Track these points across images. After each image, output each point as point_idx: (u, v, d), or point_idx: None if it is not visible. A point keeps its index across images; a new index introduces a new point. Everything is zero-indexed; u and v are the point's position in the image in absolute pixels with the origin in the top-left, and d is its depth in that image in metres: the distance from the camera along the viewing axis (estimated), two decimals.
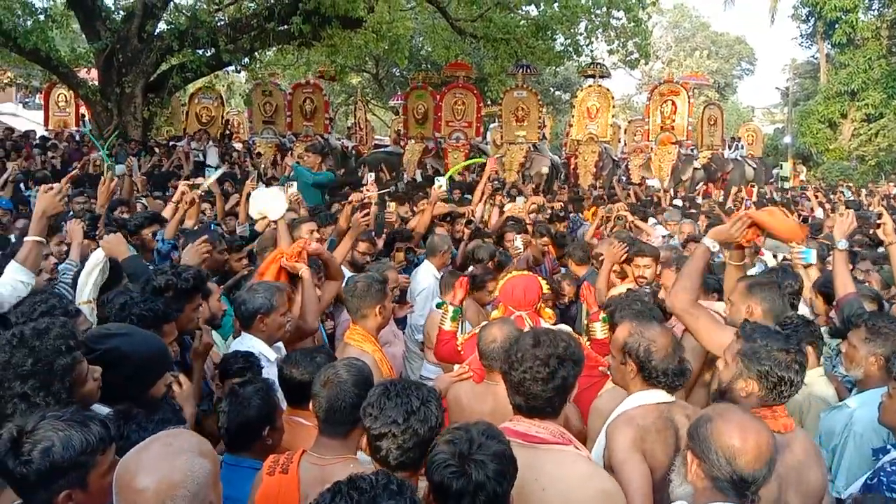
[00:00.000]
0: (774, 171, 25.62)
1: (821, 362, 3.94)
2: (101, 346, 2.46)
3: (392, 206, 7.44)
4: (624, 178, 19.97)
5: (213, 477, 1.82)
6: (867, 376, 3.14)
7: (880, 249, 6.04)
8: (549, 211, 9.64)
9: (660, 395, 2.70)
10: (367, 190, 6.79)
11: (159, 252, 4.95)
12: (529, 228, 7.59)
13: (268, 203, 4.95)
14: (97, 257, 3.93)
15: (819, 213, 13.38)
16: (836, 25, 31.69)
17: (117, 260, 4.03)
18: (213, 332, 4.19)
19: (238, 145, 18.95)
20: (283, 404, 2.97)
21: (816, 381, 3.70)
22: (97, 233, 4.96)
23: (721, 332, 2.97)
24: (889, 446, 2.72)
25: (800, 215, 12.77)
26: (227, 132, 19.66)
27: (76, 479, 1.85)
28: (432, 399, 2.22)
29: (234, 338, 3.88)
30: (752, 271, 5.81)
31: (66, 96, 20.31)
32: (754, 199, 12.65)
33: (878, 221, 4.21)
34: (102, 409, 2.38)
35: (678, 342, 2.77)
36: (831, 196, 18.09)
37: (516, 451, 2.02)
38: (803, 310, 5.49)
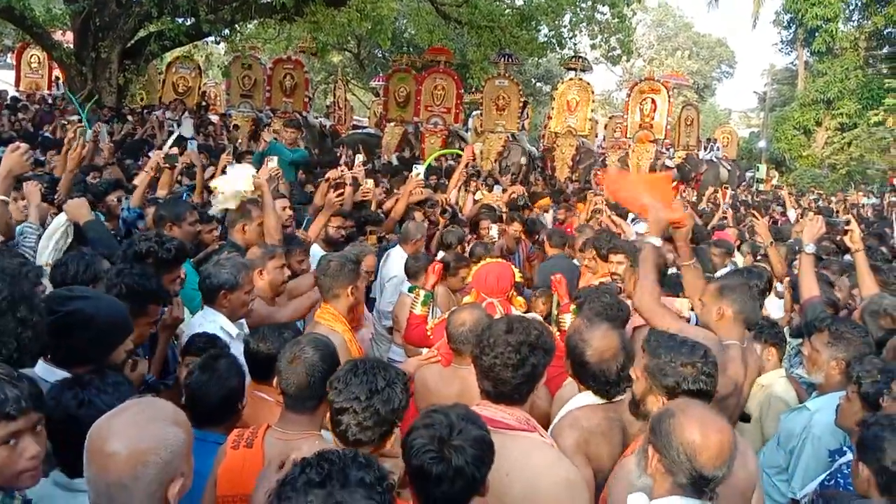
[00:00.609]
0: (748, 174, 25.94)
1: (782, 364, 4.03)
2: (65, 307, 2.42)
3: (370, 182, 7.39)
4: (600, 174, 20.08)
5: (187, 447, 1.79)
6: (828, 380, 3.18)
7: (846, 257, 6.16)
8: (522, 199, 9.66)
9: (593, 398, 2.69)
10: (355, 171, 6.78)
11: (125, 220, 4.86)
12: (504, 217, 7.61)
13: (234, 184, 4.86)
14: (59, 221, 3.87)
15: (792, 214, 13.56)
16: (817, 34, 32.11)
17: (79, 224, 3.96)
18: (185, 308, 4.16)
19: (214, 118, 18.69)
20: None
21: (777, 381, 3.79)
22: (56, 196, 4.84)
23: (684, 331, 2.96)
24: (845, 448, 2.76)
25: (771, 218, 12.93)
26: (204, 103, 19.38)
27: None
28: (398, 382, 2.23)
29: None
30: (721, 272, 5.91)
31: (38, 57, 19.92)
32: (728, 200, 12.75)
33: (846, 228, 4.28)
34: (61, 373, 2.34)
35: (621, 350, 2.72)
36: (801, 201, 18.39)
37: None
38: (776, 303, 5.62)
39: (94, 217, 4.12)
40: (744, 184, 23.96)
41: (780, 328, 3.99)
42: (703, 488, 2.01)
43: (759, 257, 6.94)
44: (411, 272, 5.19)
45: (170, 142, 6.49)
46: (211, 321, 3.47)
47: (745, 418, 3.56)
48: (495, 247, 6.49)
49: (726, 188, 14.79)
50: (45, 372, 2.38)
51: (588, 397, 2.71)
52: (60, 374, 2.34)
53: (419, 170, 7.38)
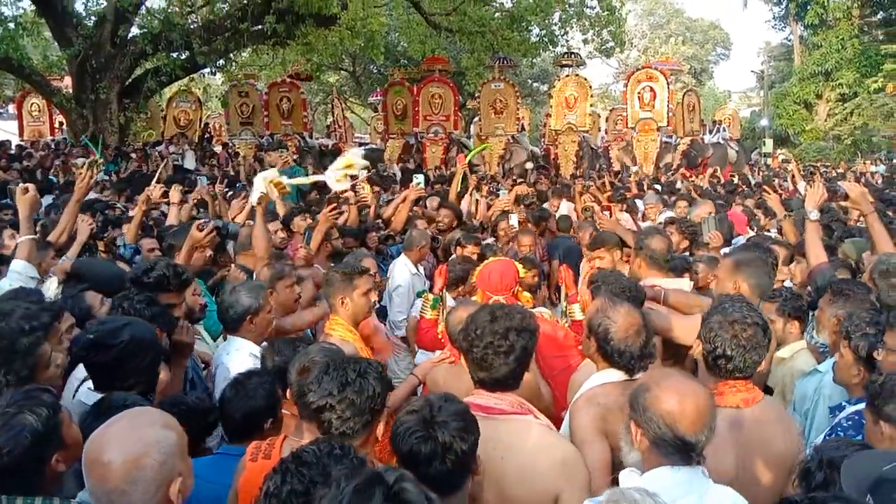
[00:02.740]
0: (753, 154, 25.83)
1: (804, 336, 3.99)
2: (119, 338, 2.53)
3: (366, 188, 7.49)
4: (605, 167, 20.12)
5: (180, 448, 1.86)
6: (832, 339, 3.19)
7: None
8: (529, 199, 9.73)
9: (618, 375, 2.71)
10: (359, 190, 6.91)
11: (121, 257, 4.91)
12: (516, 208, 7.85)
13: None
14: (52, 286, 3.96)
15: (802, 186, 13.48)
16: (808, 7, 31.99)
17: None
18: (202, 330, 4.22)
19: (218, 148, 18.90)
20: None
21: (799, 354, 3.72)
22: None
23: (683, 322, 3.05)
24: (844, 403, 2.77)
25: (779, 194, 12.87)
26: (207, 135, 19.56)
27: (56, 443, 1.93)
28: (371, 372, 2.26)
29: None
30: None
31: (39, 105, 20.17)
32: (734, 180, 12.78)
33: (848, 192, 4.27)
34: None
35: (644, 326, 2.75)
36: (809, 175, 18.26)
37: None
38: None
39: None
40: (749, 163, 23.82)
41: (803, 300, 3.94)
42: (689, 454, 2.05)
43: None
44: (406, 246, 5.23)
45: (156, 175, 6.56)
46: (237, 349, 3.49)
47: (768, 391, 3.56)
48: (509, 251, 6.55)
49: (729, 168, 14.74)
50: (88, 397, 2.50)
51: (605, 376, 2.73)
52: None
53: (419, 178, 7.50)
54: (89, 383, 2.77)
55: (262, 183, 4.78)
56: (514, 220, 7.12)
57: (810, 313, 4.30)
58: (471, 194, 9.04)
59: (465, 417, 2.06)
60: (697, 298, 3.75)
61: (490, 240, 6.98)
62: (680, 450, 2.04)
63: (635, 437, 2.14)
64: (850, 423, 2.61)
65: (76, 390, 2.85)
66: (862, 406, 2.62)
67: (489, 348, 2.43)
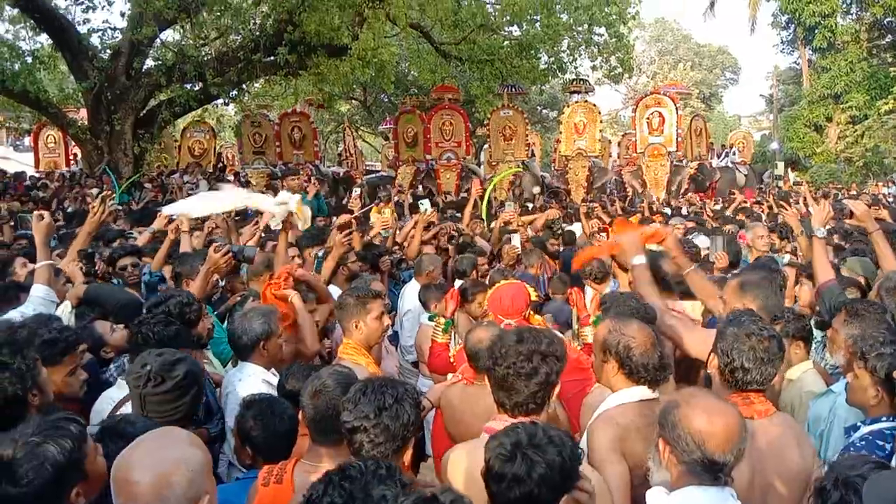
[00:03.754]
0: (765, 176, 25.79)
1: (810, 356, 3.98)
2: (177, 371, 2.59)
3: (386, 212, 7.57)
4: (615, 191, 20.19)
5: (206, 466, 1.87)
6: (847, 359, 3.15)
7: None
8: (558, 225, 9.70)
9: (641, 392, 2.71)
10: (351, 205, 6.93)
11: (147, 284, 4.97)
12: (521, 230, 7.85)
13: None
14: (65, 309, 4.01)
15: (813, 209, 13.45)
16: (816, 30, 32.13)
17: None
18: (212, 356, 4.23)
19: (230, 177, 19.09)
20: None
21: (805, 375, 3.71)
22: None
23: (693, 332, 3.04)
24: (859, 423, 2.74)
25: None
26: (221, 165, 19.77)
27: (78, 475, 1.93)
28: (407, 398, 2.27)
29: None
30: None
31: (55, 137, 20.46)
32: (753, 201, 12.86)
33: (852, 209, 4.26)
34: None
35: (658, 338, 2.79)
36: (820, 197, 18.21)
37: None
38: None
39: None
40: (759, 186, 23.79)
41: (807, 321, 3.93)
42: (717, 474, 2.03)
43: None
44: (423, 301, 5.25)
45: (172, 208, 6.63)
46: (250, 375, 3.49)
47: None
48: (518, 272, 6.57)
49: (746, 190, 14.74)
50: None
51: (621, 397, 2.72)
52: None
53: (425, 204, 7.58)
54: (126, 407, 2.81)
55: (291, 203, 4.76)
56: (516, 240, 7.13)
57: (817, 334, 4.28)
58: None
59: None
60: (717, 289, 3.74)
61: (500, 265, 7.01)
62: (708, 469, 2.04)
63: (663, 455, 2.13)
64: (863, 443, 2.58)
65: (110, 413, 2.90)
66: (877, 426, 2.60)
67: (511, 369, 2.41)
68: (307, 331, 3.97)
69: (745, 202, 13.58)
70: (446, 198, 16.13)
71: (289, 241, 5.12)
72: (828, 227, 4.63)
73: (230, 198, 4.96)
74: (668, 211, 12.82)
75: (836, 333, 3.25)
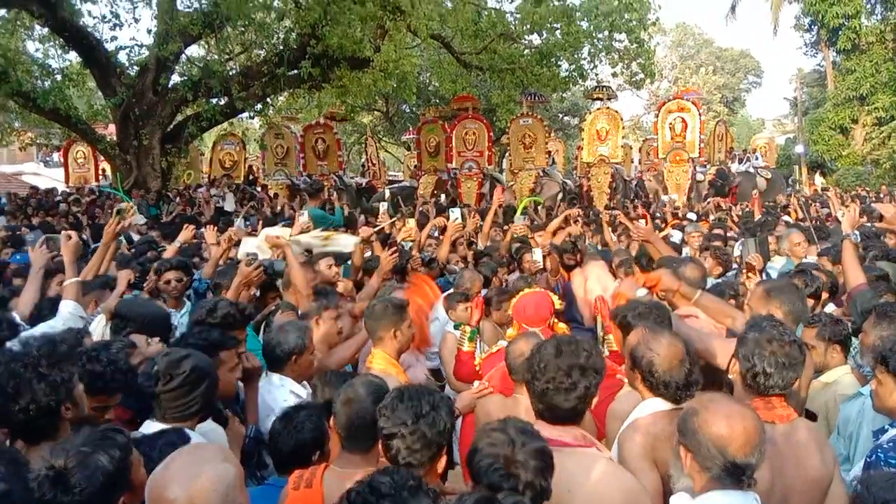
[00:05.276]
0: (791, 180, 25.60)
1: (847, 360, 3.94)
2: (183, 368, 2.67)
3: (411, 222, 7.61)
4: (639, 197, 20.14)
5: (239, 480, 1.94)
6: (871, 365, 3.15)
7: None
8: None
9: (666, 403, 2.72)
10: (380, 221, 6.97)
11: (196, 290, 5.10)
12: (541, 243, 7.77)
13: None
14: (99, 324, 4.13)
15: (840, 215, 13.29)
16: (840, 32, 31.75)
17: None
18: None
19: (258, 189, 19.35)
20: None
21: (842, 378, 3.70)
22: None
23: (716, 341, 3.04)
24: (887, 426, 2.75)
25: (817, 220, 12.73)
26: (252, 177, 20.02)
27: (125, 485, 2.00)
28: (443, 405, 2.32)
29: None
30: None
31: (84, 152, 20.84)
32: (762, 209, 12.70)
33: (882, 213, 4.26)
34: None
35: (687, 355, 2.74)
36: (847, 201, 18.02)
37: None
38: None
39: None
40: (788, 190, 23.58)
41: (845, 325, 3.89)
42: (739, 477, 2.05)
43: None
44: (447, 308, 5.30)
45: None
46: (279, 387, 3.55)
47: (812, 417, 3.54)
48: (540, 279, 6.59)
49: (756, 196, 14.57)
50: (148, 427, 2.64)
51: (652, 405, 2.73)
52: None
53: (455, 214, 7.59)
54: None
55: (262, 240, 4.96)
56: (537, 255, 7.08)
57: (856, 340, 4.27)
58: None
59: (545, 457, 2.07)
60: (730, 308, 3.74)
61: (515, 274, 7.02)
62: (731, 473, 2.06)
63: (685, 462, 2.15)
64: (891, 445, 2.59)
65: None
66: None
67: (550, 383, 2.42)
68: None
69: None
70: (466, 207, 16.19)
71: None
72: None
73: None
74: (692, 216, 12.76)
75: (867, 336, 3.25)
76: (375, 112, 33.01)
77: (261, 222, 8.35)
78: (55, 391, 2.34)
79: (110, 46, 15.62)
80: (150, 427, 2.65)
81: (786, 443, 2.46)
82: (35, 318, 3.99)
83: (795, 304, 3.27)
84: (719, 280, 5.67)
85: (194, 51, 17.54)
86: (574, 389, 2.40)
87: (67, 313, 3.74)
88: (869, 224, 7.16)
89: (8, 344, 2.83)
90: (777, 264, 6.53)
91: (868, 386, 3.19)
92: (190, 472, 1.86)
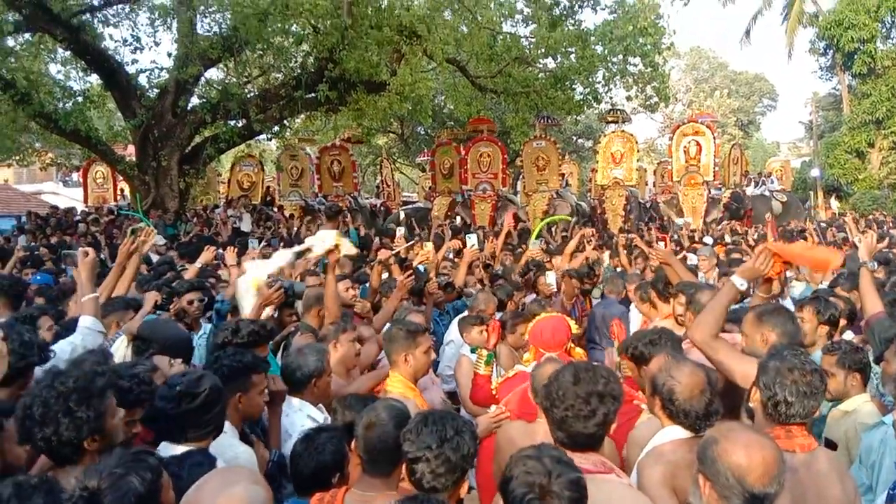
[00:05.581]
0: (807, 204, 25.47)
1: (867, 389, 3.91)
2: (203, 387, 2.71)
3: (428, 245, 7.66)
4: (654, 219, 20.12)
5: (269, 503, 1.98)
6: (892, 393, 3.15)
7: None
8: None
9: (684, 431, 2.72)
10: (396, 244, 7.02)
11: (218, 312, 5.14)
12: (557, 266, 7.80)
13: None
14: (121, 345, 4.17)
15: (857, 240, 13.21)
16: (855, 56, 31.67)
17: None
18: None
19: (276, 210, 19.49)
20: None
21: (862, 406, 3.66)
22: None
23: (741, 361, 2.98)
24: None
25: (834, 244, 12.67)
26: (269, 198, 20.23)
27: None
28: (466, 430, 2.35)
29: None
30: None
31: (103, 173, 21.10)
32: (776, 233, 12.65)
33: None
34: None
35: (708, 386, 2.73)
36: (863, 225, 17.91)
37: None
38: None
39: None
40: (804, 214, 23.47)
41: (865, 353, 3.86)
42: None
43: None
44: (460, 330, 5.32)
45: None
46: (297, 411, 3.57)
47: (832, 446, 3.51)
48: (555, 303, 6.60)
49: (772, 220, 14.52)
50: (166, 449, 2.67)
51: (673, 432, 2.73)
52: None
53: (472, 240, 7.64)
54: None
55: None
56: (551, 278, 7.10)
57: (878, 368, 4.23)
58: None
59: (580, 488, 2.06)
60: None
61: (530, 296, 7.03)
62: (749, 503, 2.05)
63: (704, 491, 2.14)
64: None
65: None
66: None
67: (569, 411, 2.43)
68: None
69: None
70: (480, 230, 16.24)
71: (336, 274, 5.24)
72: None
73: (285, 254, 5.12)
74: (709, 240, 12.74)
75: (889, 365, 3.23)
76: (391, 134, 33.22)
77: (282, 244, 8.39)
78: (78, 429, 2.36)
79: (131, 69, 15.90)
80: (169, 449, 2.67)
81: (806, 472, 2.45)
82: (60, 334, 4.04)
83: (787, 325, 3.22)
84: (737, 307, 5.63)
85: (213, 74, 17.81)
86: (593, 416, 2.41)
87: (85, 328, 3.75)
88: (886, 249, 7.12)
89: (48, 364, 2.87)
90: (797, 290, 6.51)
91: (890, 415, 3.17)
92: (222, 495, 1.90)
